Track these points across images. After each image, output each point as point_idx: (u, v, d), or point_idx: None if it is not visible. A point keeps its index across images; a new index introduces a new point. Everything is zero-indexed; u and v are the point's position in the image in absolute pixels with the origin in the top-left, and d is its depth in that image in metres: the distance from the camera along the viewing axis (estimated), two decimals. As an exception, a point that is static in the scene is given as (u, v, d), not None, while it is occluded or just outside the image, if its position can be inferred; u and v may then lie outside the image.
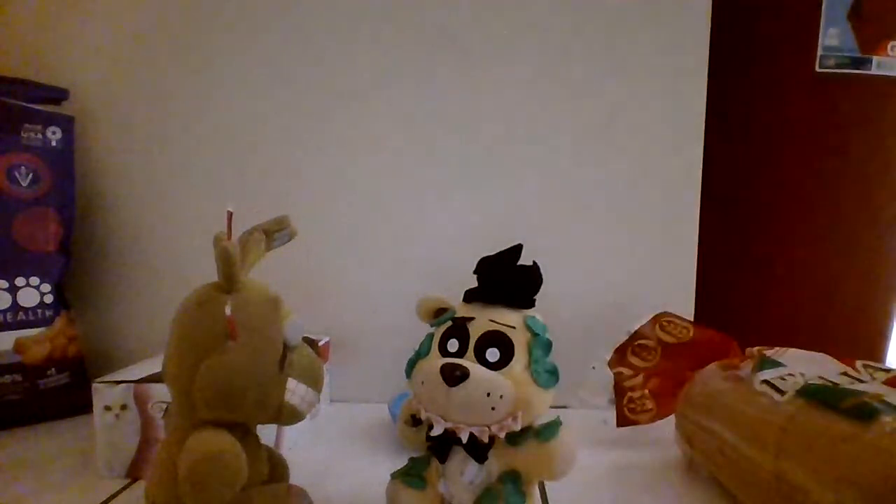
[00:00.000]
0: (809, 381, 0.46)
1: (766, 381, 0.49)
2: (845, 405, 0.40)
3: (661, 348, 0.60)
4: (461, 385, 0.38)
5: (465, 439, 0.39)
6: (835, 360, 0.49)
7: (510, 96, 0.76)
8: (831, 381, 0.45)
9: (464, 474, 0.41)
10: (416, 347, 0.44)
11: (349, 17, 0.76)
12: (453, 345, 0.41)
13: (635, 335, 0.63)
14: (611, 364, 0.62)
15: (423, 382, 0.40)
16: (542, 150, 0.77)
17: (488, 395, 0.38)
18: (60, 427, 0.70)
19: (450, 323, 0.42)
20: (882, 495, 0.35)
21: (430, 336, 0.43)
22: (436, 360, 0.40)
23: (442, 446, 0.42)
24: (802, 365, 0.49)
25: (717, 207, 0.82)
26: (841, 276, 0.85)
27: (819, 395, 0.43)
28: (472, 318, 0.41)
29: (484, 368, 0.39)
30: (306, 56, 0.77)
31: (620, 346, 0.63)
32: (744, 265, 0.89)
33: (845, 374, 0.47)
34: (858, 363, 0.48)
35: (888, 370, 0.45)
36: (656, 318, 0.62)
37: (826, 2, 0.78)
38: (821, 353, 0.51)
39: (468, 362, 0.39)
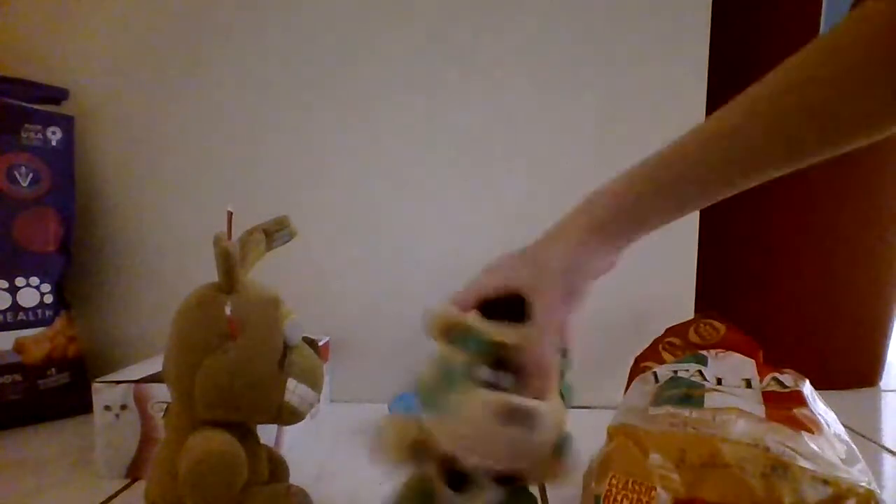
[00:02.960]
0: (688, 378, 0.49)
1: (653, 372, 0.52)
2: (666, 395, 0.46)
3: (688, 348, 0.60)
4: (527, 426, 0.33)
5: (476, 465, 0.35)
6: (754, 370, 0.51)
7: (511, 99, 0.76)
8: (710, 383, 0.48)
9: (485, 495, 0.37)
10: (425, 366, 0.38)
11: (350, 19, 0.76)
12: (491, 375, 0.35)
13: (668, 332, 0.62)
14: (641, 356, 0.62)
15: (463, 419, 0.34)
16: (543, 152, 0.77)
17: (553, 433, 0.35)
18: (60, 427, 0.70)
19: (486, 354, 0.36)
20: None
21: (450, 366, 0.36)
22: (482, 395, 0.34)
23: (456, 477, 0.37)
24: (720, 366, 0.52)
25: (717, 208, 0.82)
26: (841, 276, 0.85)
27: (662, 388, 0.49)
28: (508, 346, 0.36)
29: (547, 404, 0.35)
30: (307, 56, 0.77)
31: (655, 340, 0.63)
32: (744, 266, 0.89)
33: (746, 380, 0.49)
34: (772, 375, 0.49)
35: (785, 387, 0.47)
36: (697, 318, 0.62)
37: (826, 1, 0.78)
38: (751, 361, 0.52)
39: (528, 400, 0.34)
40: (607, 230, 0.38)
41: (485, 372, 0.35)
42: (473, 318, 0.38)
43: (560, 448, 0.37)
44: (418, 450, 0.37)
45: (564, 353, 0.38)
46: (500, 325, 0.37)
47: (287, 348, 0.43)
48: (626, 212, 0.38)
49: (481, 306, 0.39)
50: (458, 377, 0.35)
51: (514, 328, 0.37)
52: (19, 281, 0.71)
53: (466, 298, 0.39)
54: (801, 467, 0.35)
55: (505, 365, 0.36)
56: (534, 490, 0.42)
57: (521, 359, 0.36)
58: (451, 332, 0.37)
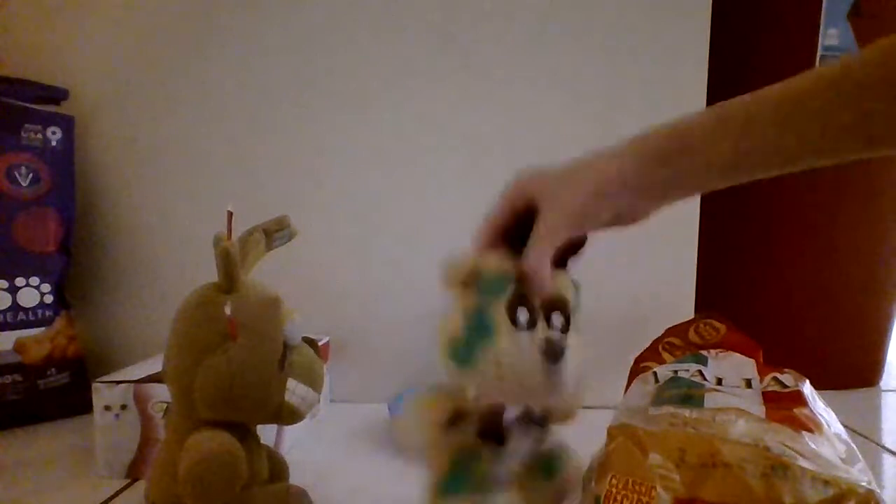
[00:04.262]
0: (688, 378, 0.49)
1: (653, 372, 0.52)
2: (666, 395, 0.46)
3: (688, 348, 0.60)
4: (562, 361, 0.34)
5: (518, 412, 0.37)
6: (755, 370, 0.51)
7: (511, 100, 0.76)
8: (710, 383, 0.48)
9: (524, 447, 0.40)
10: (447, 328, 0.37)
11: (350, 19, 0.76)
12: (524, 314, 0.35)
13: (668, 332, 0.62)
14: (640, 356, 0.62)
15: (509, 366, 0.34)
16: (543, 152, 0.76)
17: (581, 367, 0.36)
18: (60, 427, 0.70)
19: (511, 290, 0.36)
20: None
21: (480, 312, 0.36)
22: (518, 338, 0.35)
23: (499, 428, 0.38)
24: (720, 366, 0.52)
25: (717, 210, 0.82)
26: (841, 276, 0.85)
27: (662, 388, 0.49)
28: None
29: (572, 339, 0.36)
30: (307, 56, 0.77)
31: (655, 340, 0.63)
32: (744, 266, 0.89)
33: (746, 380, 0.49)
34: (772, 375, 0.49)
35: (785, 387, 0.47)
36: (697, 318, 0.62)
37: (826, 2, 0.78)
38: (751, 361, 0.52)
39: (564, 336, 0.36)
40: (659, 169, 0.36)
41: (522, 313, 0.35)
42: (495, 259, 0.37)
43: (576, 385, 0.37)
44: (457, 416, 0.37)
45: (577, 292, 0.38)
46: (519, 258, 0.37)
47: (287, 348, 0.43)
48: (687, 153, 0.35)
49: (507, 235, 0.38)
50: (492, 324, 0.35)
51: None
52: (19, 281, 0.71)
53: (488, 229, 0.39)
54: (801, 467, 0.35)
55: (527, 298, 0.36)
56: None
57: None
58: (476, 279, 0.37)
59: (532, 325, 0.35)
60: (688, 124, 0.35)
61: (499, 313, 0.35)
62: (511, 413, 0.37)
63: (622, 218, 0.38)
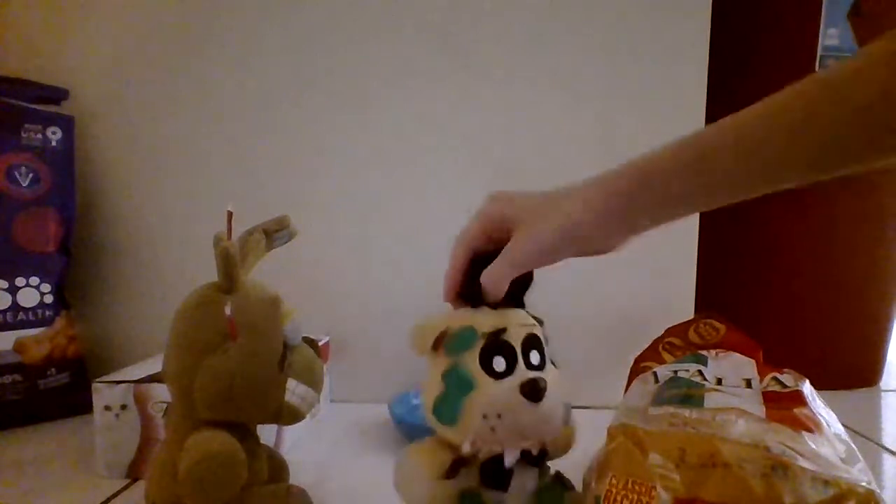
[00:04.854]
0: (688, 378, 0.49)
1: (653, 372, 0.52)
2: (666, 395, 0.46)
3: (688, 348, 0.60)
4: (545, 398, 0.35)
5: (517, 456, 0.37)
6: (755, 370, 0.51)
7: (511, 100, 0.76)
8: (710, 383, 0.48)
9: (526, 486, 0.40)
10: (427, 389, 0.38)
11: (353, 19, 0.76)
12: (500, 363, 0.36)
13: (668, 332, 0.62)
14: (640, 356, 0.62)
15: (495, 415, 0.35)
16: (543, 154, 0.77)
17: (564, 401, 0.37)
18: (60, 427, 0.70)
19: (482, 341, 0.37)
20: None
21: (455, 368, 0.37)
22: (499, 385, 0.36)
23: (500, 474, 0.38)
24: (720, 366, 0.52)
25: (717, 209, 0.82)
26: (841, 275, 0.85)
27: (662, 388, 0.49)
28: (504, 329, 0.38)
29: (550, 373, 0.38)
30: (307, 56, 0.77)
31: (655, 340, 0.63)
32: (744, 266, 0.89)
33: (746, 380, 0.49)
34: (772, 375, 0.49)
35: (785, 387, 0.47)
36: (697, 318, 0.62)
37: (826, 2, 0.78)
38: (751, 361, 0.52)
39: (534, 372, 0.37)
40: (622, 203, 0.38)
41: (499, 363, 0.36)
42: (457, 316, 0.39)
43: (565, 416, 0.38)
44: (457, 465, 0.37)
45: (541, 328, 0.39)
46: (484, 312, 0.39)
47: (287, 348, 0.43)
48: (647, 188, 0.37)
49: (472, 270, 0.40)
50: (469, 378, 0.36)
51: (500, 313, 0.39)
52: (19, 281, 0.71)
53: (462, 247, 0.41)
54: (801, 467, 0.35)
55: (511, 348, 0.37)
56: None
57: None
58: (443, 340, 0.38)
59: (510, 369, 0.36)
60: (649, 160, 0.38)
61: (473, 364, 0.36)
62: (510, 457, 0.37)
63: (589, 249, 0.40)
